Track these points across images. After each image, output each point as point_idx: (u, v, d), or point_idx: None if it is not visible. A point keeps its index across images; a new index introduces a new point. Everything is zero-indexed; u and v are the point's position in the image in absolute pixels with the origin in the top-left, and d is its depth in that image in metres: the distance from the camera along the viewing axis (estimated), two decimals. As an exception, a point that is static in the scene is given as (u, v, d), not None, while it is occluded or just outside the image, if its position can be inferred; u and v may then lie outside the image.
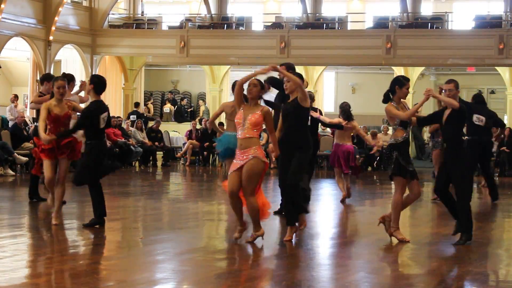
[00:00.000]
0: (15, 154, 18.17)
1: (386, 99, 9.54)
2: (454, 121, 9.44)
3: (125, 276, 7.29)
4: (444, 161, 9.61)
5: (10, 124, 21.09)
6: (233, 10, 30.06)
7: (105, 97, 25.14)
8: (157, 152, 24.56)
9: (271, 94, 10.95)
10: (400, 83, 9.43)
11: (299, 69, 28.92)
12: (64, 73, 12.38)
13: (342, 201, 13.83)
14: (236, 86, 9.00)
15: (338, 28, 27.30)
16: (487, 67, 27.86)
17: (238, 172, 8.80)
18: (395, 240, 9.70)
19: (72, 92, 12.25)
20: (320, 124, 13.87)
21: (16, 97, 23.27)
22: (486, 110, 13.82)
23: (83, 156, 10.09)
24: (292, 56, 26.12)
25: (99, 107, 10.00)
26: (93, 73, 27.03)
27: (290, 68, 10.64)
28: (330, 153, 15.08)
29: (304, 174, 9.98)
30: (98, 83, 10.10)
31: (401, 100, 9.63)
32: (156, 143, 24.38)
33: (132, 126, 24.80)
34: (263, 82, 9.36)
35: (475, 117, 13.03)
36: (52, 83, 10.32)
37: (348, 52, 25.81)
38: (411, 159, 9.49)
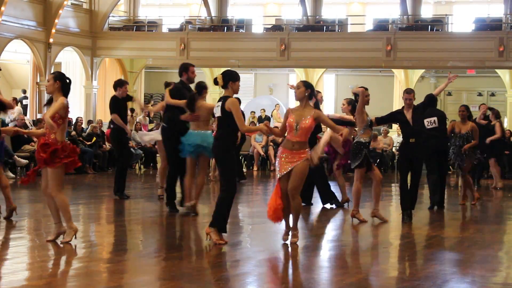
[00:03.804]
0: (15, 156, 18.16)
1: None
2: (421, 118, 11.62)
3: (125, 279, 7.29)
4: (407, 153, 11.29)
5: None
6: (233, 13, 30.09)
7: (106, 99, 25.30)
8: (158, 155, 24.49)
9: None
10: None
11: (299, 71, 29.00)
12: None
13: (342, 204, 13.23)
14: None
15: (338, 30, 27.28)
16: (487, 70, 27.87)
17: (287, 174, 9.03)
18: (394, 242, 9.71)
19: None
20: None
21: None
22: (436, 111, 13.37)
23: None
24: (292, 58, 26.14)
25: None
26: (94, 75, 27.12)
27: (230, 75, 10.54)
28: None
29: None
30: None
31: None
32: (157, 146, 24.29)
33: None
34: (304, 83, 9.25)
35: (425, 121, 13.01)
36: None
37: (348, 55, 25.80)
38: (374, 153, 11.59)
